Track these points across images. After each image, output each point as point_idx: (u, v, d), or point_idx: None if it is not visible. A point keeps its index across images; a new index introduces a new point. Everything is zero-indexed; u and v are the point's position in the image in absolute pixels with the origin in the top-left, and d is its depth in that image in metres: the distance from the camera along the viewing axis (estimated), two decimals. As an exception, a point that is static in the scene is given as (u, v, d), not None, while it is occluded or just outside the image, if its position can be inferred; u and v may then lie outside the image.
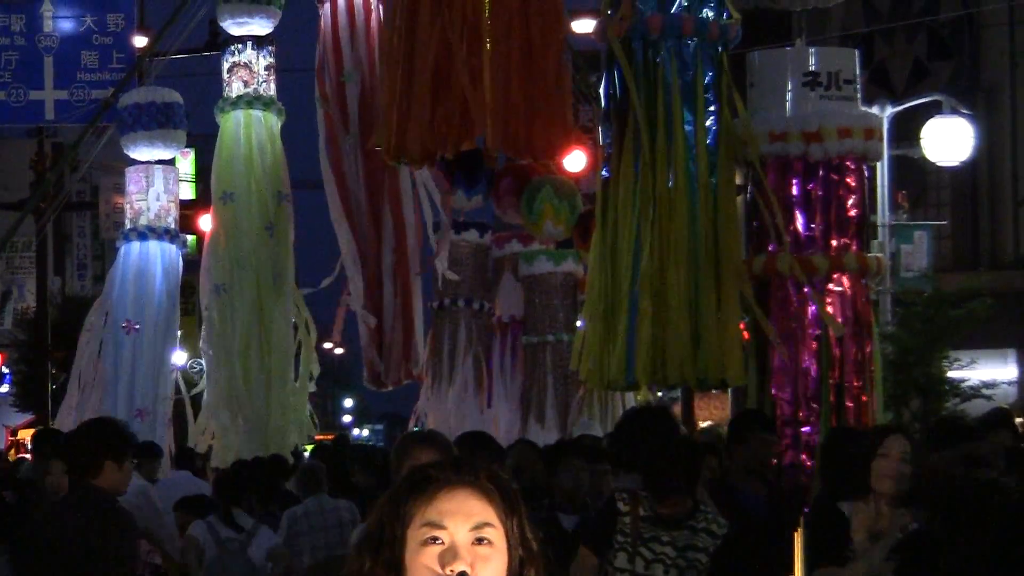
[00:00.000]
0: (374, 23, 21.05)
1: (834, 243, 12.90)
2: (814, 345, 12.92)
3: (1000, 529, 7.79)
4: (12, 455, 31.89)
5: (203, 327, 22.72)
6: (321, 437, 30.56)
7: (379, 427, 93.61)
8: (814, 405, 12.86)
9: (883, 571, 7.11)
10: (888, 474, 7.45)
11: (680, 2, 12.62)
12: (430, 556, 2.95)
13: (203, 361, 23.50)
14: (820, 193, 12.96)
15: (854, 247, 13.14)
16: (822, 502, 7.89)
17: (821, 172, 12.95)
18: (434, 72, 12.54)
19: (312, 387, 23.00)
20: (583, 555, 7.61)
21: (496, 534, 2.98)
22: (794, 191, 12.92)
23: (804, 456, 12.46)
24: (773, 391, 13.01)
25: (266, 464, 15.59)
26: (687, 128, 12.52)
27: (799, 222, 12.95)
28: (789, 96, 13.25)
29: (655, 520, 7.54)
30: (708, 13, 12.73)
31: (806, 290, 12.97)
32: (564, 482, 9.78)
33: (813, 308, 12.92)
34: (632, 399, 20.75)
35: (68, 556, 8.45)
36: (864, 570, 7.03)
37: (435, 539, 2.96)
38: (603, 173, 12.78)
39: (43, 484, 13.58)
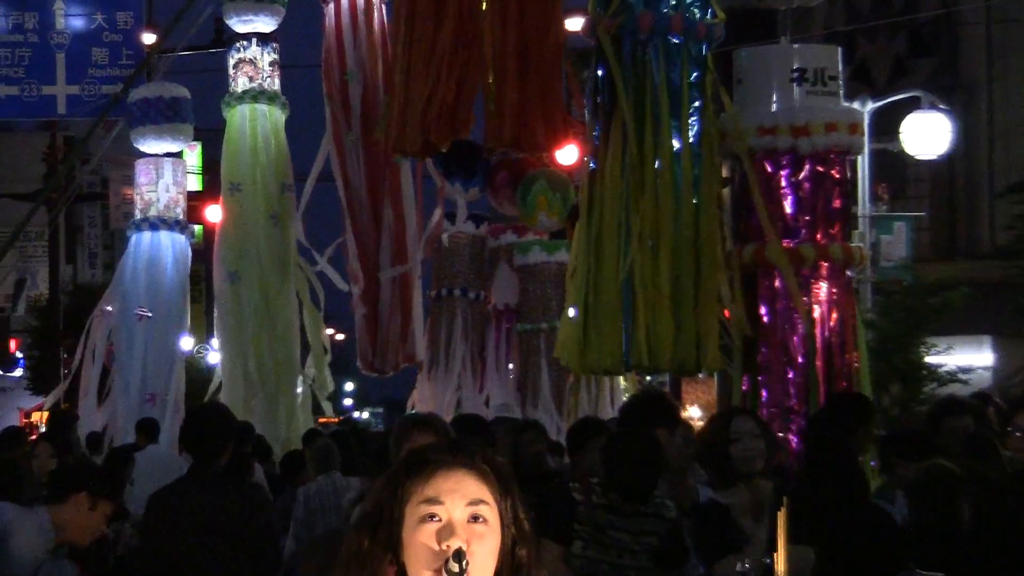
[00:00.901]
0: (376, 24, 21.09)
1: (820, 233, 12.92)
2: (801, 332, 12.94)
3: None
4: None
5: (216, 313, 22.82)
6: (325, 420, 30.63)
7: (379, 410, 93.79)
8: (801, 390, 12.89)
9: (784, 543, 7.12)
10: (744, 455, 7.46)
11: (668, 1, 12.61)
12: (427, 533, 2.95)
13: (217, 344, 23.61)
14: (808, 185, 12.98)
15: (839, 237, 13.16)
16: (703, 504, 7.86)
17: (808, 165, 12.97)
18: (433, 67, 12.53)
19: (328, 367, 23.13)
20: (546, 547, 7.56)
21: (491, 513, 2.99)
22: (783, 183, 12.93)
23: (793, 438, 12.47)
24: (760, 377, 13.05)
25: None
26: (673, 124, 12.52)
27: (788, 213, 12.97)
28: (776, 92, 13.25)
29: (609, 507, 7.54)
30: (695, 12, 12.73)
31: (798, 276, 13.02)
32: (591, 460, 9.71)
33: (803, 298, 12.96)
34: (620, 384, 20.84)
35: (216, 529, 8.71)
36: (759, 548, 7.02)
37: (432, 516, 2.96)
38: (590, 165, 12.78)
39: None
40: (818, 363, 12.90)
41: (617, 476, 7.40)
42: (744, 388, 13.02)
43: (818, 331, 12.94)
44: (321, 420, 28.76)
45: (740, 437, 7.53)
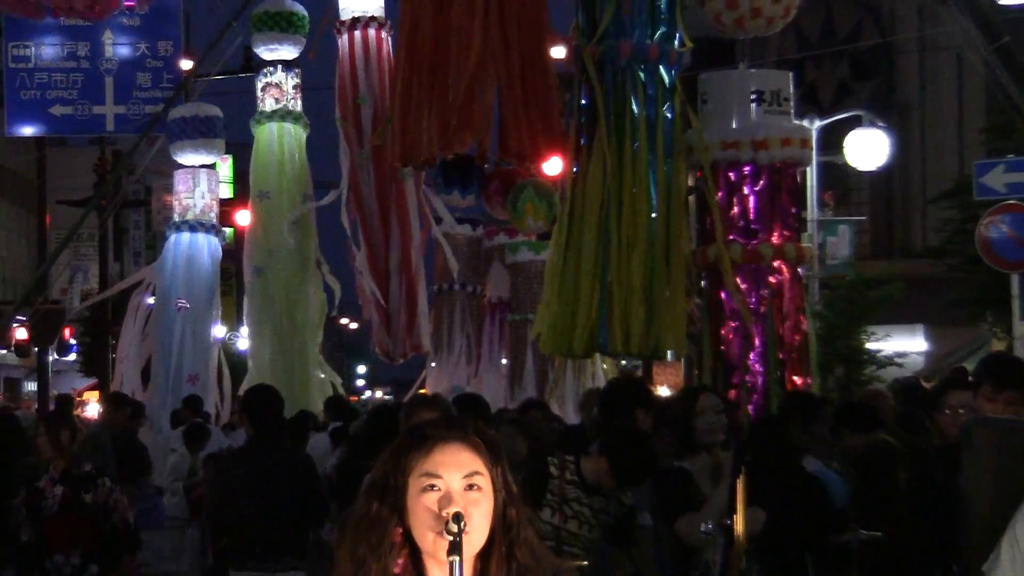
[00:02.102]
0: (384, 54, 21.11)
1: (776, 235, 12.91)
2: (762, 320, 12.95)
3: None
4: (80, 413, 31.86)
5: (245, 304, 22.88)
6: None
7: (388, 389, 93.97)
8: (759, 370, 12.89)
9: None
10: (706, 428, 7.46)
11: (642, 31, 12.60)
12: (429, 500, 2.95)
13: (246, 332, 23.67)
14: (766, 192, 12.98)
15: (792, 238, 13.18)
16: (665, 464, 7.83)
17: (766, 175, 12.97)
18: (434, 88, 12.49)
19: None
20: None
21: (484, 481, 2.99)
22: (745, 190, 12.93)
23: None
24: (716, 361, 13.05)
25: None
26: (648, 138, 12.52)
27: (749, 217, 12.97)
28: (736, 111, 13.24)
29: (578, 484, 7.55)
30: (669, 41, 12.76)
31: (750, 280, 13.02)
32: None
33: (754, 290, 12.95)
34: (600, 368, 20.84)
35: (274, 487, 9.05)
36: (716, 508, 7.01)
37: (433, 486, 2.96)
38: (573, 171, 12.77)
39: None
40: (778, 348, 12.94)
41: (620, 468, 7.38)
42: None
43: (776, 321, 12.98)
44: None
45: (704, 411, 7.54)
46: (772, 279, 12.97)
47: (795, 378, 12.98)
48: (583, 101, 12.76)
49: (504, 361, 23.45)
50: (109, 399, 16.83)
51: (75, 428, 9.31)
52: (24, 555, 8.72)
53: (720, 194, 12.95)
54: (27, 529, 8.62)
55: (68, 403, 16.03)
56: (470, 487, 2.97)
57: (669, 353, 14.05)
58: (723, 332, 12.95)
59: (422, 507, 2.96)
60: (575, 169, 12.72)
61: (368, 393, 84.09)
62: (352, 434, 13.01)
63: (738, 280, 12.86)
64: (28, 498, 8.75)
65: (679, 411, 7.84)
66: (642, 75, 12.48)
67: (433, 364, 23.16)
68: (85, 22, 24.65)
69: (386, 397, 50.86)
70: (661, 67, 12.67)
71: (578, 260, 12.32)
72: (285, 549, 9.21)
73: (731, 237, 12.88)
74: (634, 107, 12.40)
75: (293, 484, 9.22)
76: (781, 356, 12.96)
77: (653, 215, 12.48)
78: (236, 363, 28.35)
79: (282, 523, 9.14)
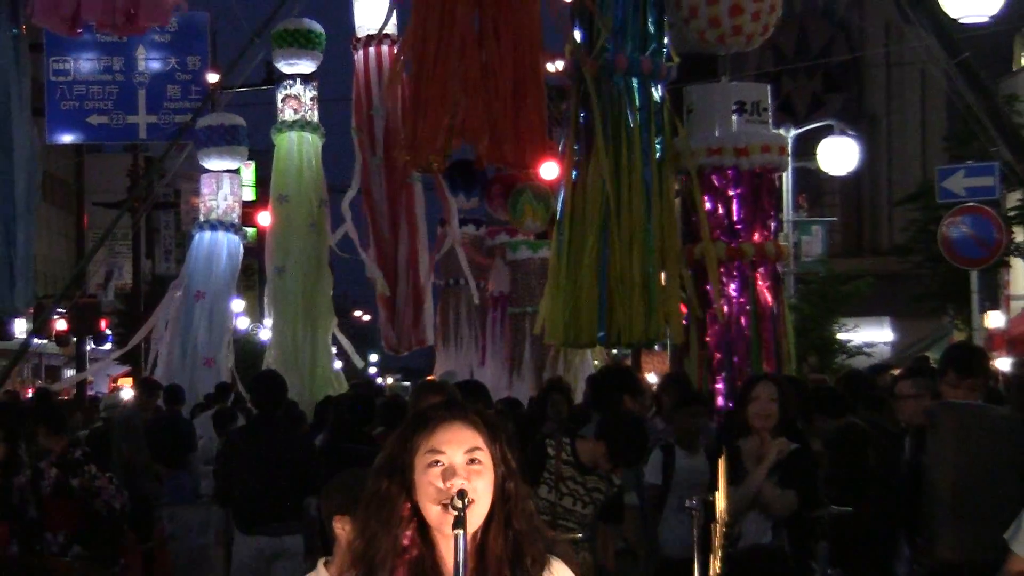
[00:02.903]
0: (399, 70, 21.11)
1: (757, 234, 12.91)
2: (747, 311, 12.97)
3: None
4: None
5: (266, 298, 22.92)
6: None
7: (398, 376, 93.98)
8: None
9: (767, 485, 7.11)
10: (758, 413, 7.42)
11: (634, 46, 12.60)
12: (434, 475, 2.95)
13: (268, 323, 23.73)
14: (747, 195, 12.97)
15: (771, 237, 13.18)
16: (721, 440, 7.86)
17: (747, 179, 12.96)
18: (439, 101, 12.46)
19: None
20: None
21: (484, 456, 2.98)
22: (729, 193, 12.93)
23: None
24: (719, 355, 13.06)
25: None
26: (641, 145, 12.52)
27: (733, 218, 12.97)
28: (719, 120, 13.24)
29: (574, 464, 7.55)
30: (658, 56, 12.78)
31: (736, 275, 13.02)
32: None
33: (737, 285, 12.95)
34: (590, 356, 20.86)
35: (274, 461, 9.36)
36: (753, 485, 6.99)
37: (437, 462, 2.96)
38: (573, 177, 12.76)
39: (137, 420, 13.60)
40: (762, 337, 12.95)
41: (616, 451, 7.38)
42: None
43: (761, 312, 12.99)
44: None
45: (758, 397, 7.51)
46: (754, 274, 12.98)
47: (772, 365, 12.97)
48: (581, 111, 12.76)
49: (504, 349, 23.48)
50: (141, 384, 16.81)
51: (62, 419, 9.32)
52: (28, 531, 8.70)
53: (706, 197, 12.96)
54: (32, 507, 8.59)
55: (47, 396, 15.79)
56: (471, 461, 2.97)
57: (666, 342, 14.05)
58: (709, 323, 12.97)
59: (427, 482, 2.96)
60: (575, 173, 12.71)
61: (380, 379, 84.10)
62: (335, 419, 13.13)
63: (722, 275, 12.88)
64: (32, 478, 8.72)
65: (738, 396, 7.85)
66: (636, 87, 12.50)
67: (442, 351, 23.30)
68: (120, 39, 24.72)
69: (404, 383, 50.90)
70: (651, 79, 12.68)
71: (581, 257, 12.33)
72: (285, 514, 9.45)
73: (716, 236, 12.89)
74: (629, 116, 12.41)
75: (291, 457, 9.48)
76: (762, 345, 12.97)
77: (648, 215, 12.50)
78: (259, 351, 28.40)
79: (281, 491, 9.37)
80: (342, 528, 4.21)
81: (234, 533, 9.85)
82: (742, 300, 12.91)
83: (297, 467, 9.45)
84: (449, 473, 2.94)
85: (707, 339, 12.91)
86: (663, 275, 12.59)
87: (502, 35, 12.15)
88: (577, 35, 12.81)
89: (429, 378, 20.51)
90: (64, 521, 8.69)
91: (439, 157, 12.46)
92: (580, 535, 7.30)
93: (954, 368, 7.13)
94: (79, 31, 11.03)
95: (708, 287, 12.86)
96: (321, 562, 4.18)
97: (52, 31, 10.63)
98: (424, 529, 2.98)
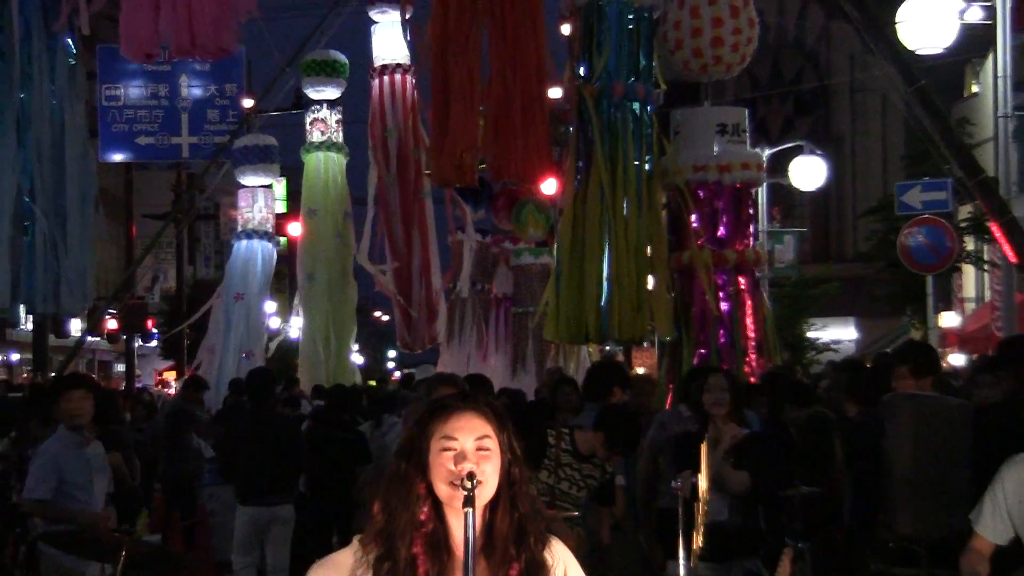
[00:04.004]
0: (408, 96, 21.15)
1: (738, 243, 12.92)
2: (728, 311, 12.95)
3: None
4: (158, 387, 31.95)
5: (298, 301, 23.00)
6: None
7: (412, 371, 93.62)
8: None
9: (722, 466, 7.12)
10: (711, 402, 7.42)
11: (628, 74, 12.63)
12: (447, 459, 2.95)
13: (298, 323, 23.81)
14: (729, 207, 12.98)
15: (750, 245, 13.20)
16: (681, 432, 7.82)
17: (729, 193, 12.98)
18: (462, 128, 12.46)
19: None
20: None
21: (492, 443, 2.99)
22: (715, 206, 12.96)
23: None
24: (696, 346, 13.05)
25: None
26: (635, 163, 12.55)
27: (718, 228, 12.99)
28: (703, 140, 13.26)
29: (572, 453, 7.56)
30: (648, 82, 12.82)
31: (721, 278, 13.03)
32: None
33: (725, 288, 12.96)
34: (586, 351, 20.86)
35: (267, 441, 9.90)
36: (712, 467, 6.99)
37: (450, 448, 2.96)
38: (574, 190, 12.78)
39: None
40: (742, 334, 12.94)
41: (614, 440, 7.39)
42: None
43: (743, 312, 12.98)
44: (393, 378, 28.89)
45: (712, 388, 7.49)
46: (736, 278, 12.99)
47: (756, 359, 12.98)
48: (581, 132, 12.79)
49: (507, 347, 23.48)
50: (189, 381, 16.75)
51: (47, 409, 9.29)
52: (10, 516, 8.66)
53: (693, 208, 12.98)
54: (15, 493, 8.49)
55: (39, 389, 15.74)
56: (481, 448, 2.98)
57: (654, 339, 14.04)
58: (696, 322, 12.98)
59: (441, 464, 2.97)
60: (576, 187, 12.73)
61: (397, 373, 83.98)
62: (315, 410, 13.27)
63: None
64: (18, 466, 8.64)
65: (693, 388, 7.81)
66: (629, 110, 12.53)
67: (447, 348, 23.28)
68: (166, 68, 24.76)
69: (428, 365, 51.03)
70: (642, 104, 12.72)
71: (582, 263, 12.35)
72: (277, 488, 9.98)
73: (701, 244, 12.90)
74: (624, 136, 12.45)
75: (281, 441, 10.02)
76: (744, 342, 12.97)
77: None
78: (289, 348, 28.44)
79: (274, 469, 9.91)
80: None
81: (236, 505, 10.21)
82: (727, 302, 12.93)
83: (287, 449, 10.03)
84: (460, 457, 2.95)
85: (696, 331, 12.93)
86: (650, 279, 12.61)
87: (512, 67, 12.17)
88: (579, 68, 12.87)
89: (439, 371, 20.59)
90: None
91: (469, 173, 12.47)
92: (575, 514, 7.31)
93: (911, 366, 7.12)
94: (155, 56, 11.00)
95: (693, 290, 12.86)
96: (356, 538, 4.13)
97: (133, 60, 10.63)
98: (438, 506, 2.99)
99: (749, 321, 13.02)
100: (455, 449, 2.96)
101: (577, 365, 19.53)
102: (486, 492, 2.95)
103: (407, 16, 15.97)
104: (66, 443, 7.57)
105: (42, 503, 7.45)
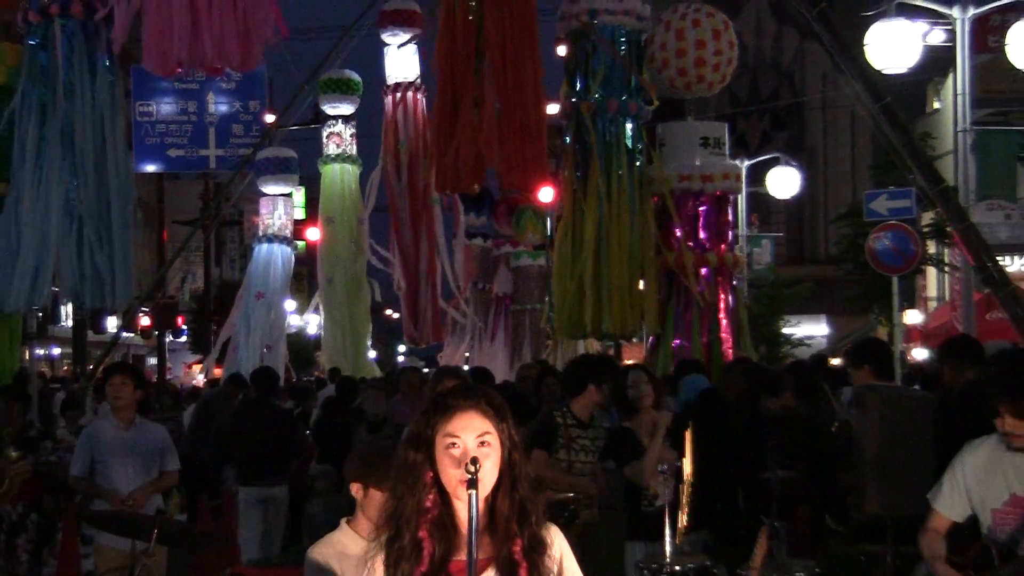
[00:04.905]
0: (418, 111, 21.16)
1: (719, 246, 12.94)
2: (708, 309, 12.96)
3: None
4: (186, 379, 31.95)
5: (318, 300, 23.06)
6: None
7: (423, 363, 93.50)
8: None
9: (664, 450, 7.10)
10: (636, 396, 7.41)
11: (620, 91, 12.64)
12: (451, 455, 2.95)
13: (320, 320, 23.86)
14: (711, 214, 12.99)
15: (730, 249, 13.22)
16: (615, 428, 7.81)
17: (711, 201, 12.99)
18: (467, 142, 12.45)
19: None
20: (536, 454, 7.55)
21: (493, 438, 2.98)
22: (699, 212, 12.97)
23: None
24: (678, 340, 13.04)
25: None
26: (628, 173, 12.58)
27: (700, 232, 13.00)
28: (686, 152, 13.26)
29: (576, 424, 7.58)
30: (638, 99, 12.85)
31: (704, 272, 13.02)
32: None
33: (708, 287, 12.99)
34: (580, 345, 20.85)
35: (269, 428, 10.24)
36: (653, 454, 6.96)
37: (453, 444, 2.95)
38: (572, 198, 12.79)
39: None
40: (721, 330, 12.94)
41: (621, 404, 7.46)
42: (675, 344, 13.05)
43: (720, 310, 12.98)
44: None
45: (634, 384, 7.48)
46: (717, 279, 13.00)
47: (731, 350, 12.99)
48: (577, 144, 12.80)
49: (506, 341, 23.48)
50: (230, 379, 16.66)
51: (29, 399, 9.24)
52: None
53: (677, 214, 12.99)
54: None
55: (25, 380, 15.60)
56: (482, 444, 2.97)
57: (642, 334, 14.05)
58: (683, 317, 13.00)
59: (446, 459, 2.96)
60: (574, 195, 12.74)
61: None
62: (325, 401, 13.36)
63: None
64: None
65: (616, 386, 7.76)
66: (621, 124, 12.56)
67: (450, 344, 23.36)
68: (194, 86, 24.76)
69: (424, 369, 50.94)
70: (633, 119, 12.75)
71: (583, 265, 12.36)
72: (273, 471, 10.25)
73: (677, 248, 12.91)
74: (617, 148, 12.48)
75: (278, 429, 10.36)
76: (722, 335, 12.98)
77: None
78: (307, 343, 28.48)
79: (270, 454, 10.22)
80: (356, 491, 4.09)
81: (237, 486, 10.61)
82: (706, 298, 12.95)
83: (282, 436, 10.33)
84: (464, 455, 2.94)
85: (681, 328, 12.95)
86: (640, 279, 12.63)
87: (512, 87, 12.19)
88: (575, 86, 12.88)
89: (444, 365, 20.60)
90: (22, 493, 8.58)
91: (466, 181, 12.48)
92: (571, 495, 7.29)
93: (872, 365, 7.12)
94: (178, 70, 10.98)
95: (678, 289, 12.88)
96: (344, 521, 4.11)
97: (154, 73, 10.59)
98: (443, 492, 2.99)
99: (722, 316, 13.05)
100: (459, 446, 2.96)
101: (570, 357, 19.52)
102: (487, 481, 2.95)
103: (416, 39, 15.99)
104: (104, 425, 7.63)
105: (76, 479, 7.56)
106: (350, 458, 4.28)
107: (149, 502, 7.52)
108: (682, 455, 6.49)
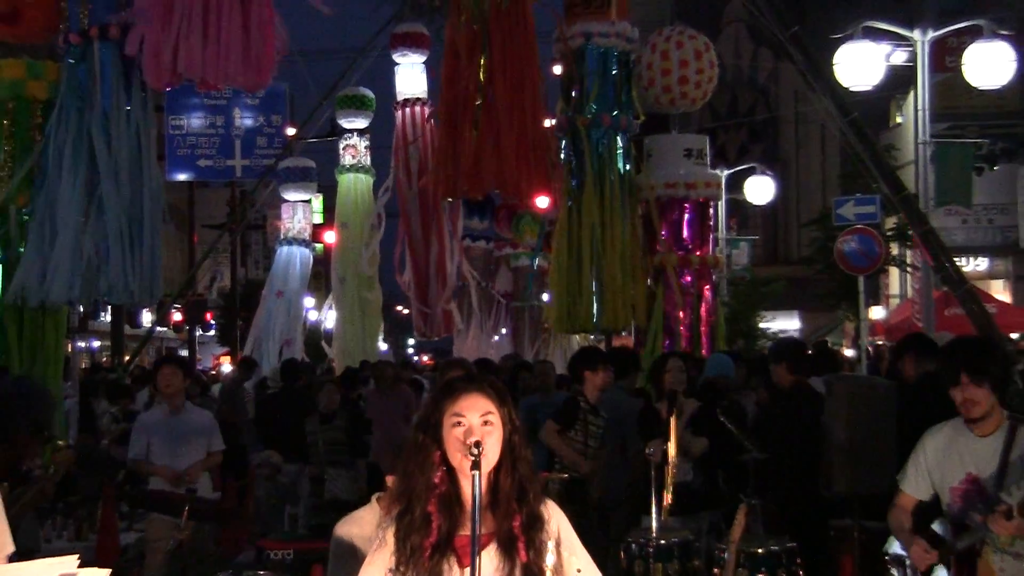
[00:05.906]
0: (427, 124, 21.17)
1: (701, 248, 12.95)
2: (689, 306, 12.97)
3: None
4: (214, 370, 31.92)
5: (332, 299, 23.04)
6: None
7: (431, 355, 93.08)
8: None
9: (686, 434, 7.17)
10: (670, 381, 7.47)
11: (612, 106, 12.66)
12: (457, 433, 2.96)
13: (332, 316, 23.84)
14: (695, 219, 13.00)
15: (711, 251, 13.22)
16: (646, 407, 7.88)
17: (694, 207, 13.00)
18: (463, 146, 12.43)
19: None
20: (549, 424, 7.66)
21: (495, 418, 2.99)
22: (683, 217, 12.99)
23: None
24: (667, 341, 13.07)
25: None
26: (620, 181, 12.60)
27: (684, 235, 13.01)
28: (671, 162, 13.27)
29: (589, 410, 7.65)
30: (628, 113, 12.87)
31: (687, 278, 13.03)
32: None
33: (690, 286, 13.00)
34: (574, 340, 20.86)
35: (292, 412, 10.91)
36: (677, 437, 7.01)
37: (459, 423, 2.96)
38: (568, 204, 12.80)
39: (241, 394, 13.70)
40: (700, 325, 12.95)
41: (659, 388, 7.56)
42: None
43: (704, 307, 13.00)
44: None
45: (671, 370, 7.55)
46: (699, 278, 13.02)
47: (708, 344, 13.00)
48: (574, 155, 12.82)
49: (507, 335, 23.46)
50: (242, 362, 16.73)
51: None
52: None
53: (662, 219, 13.02)
54: None
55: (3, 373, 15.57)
56: (485, 423, 2.98)
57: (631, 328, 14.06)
58: (670, 312, 13.03)
59: (452, 437, 2.97)
60: (570, 202, 12.75)
61: (416, 358, 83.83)
62: (258, 381, 13.91)
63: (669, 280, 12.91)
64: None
65: (654, 370, 7.88)
66: (613, 137, 12.59)
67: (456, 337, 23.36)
68: (222, 102, 24.75)
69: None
70: (622, 132, 12.77)
71: (579, 265, 12.38)
72: (294, 445, 10.81)
73: (670, 249, 12.93)
74: (610, 159, 12.50)
75: (297, 410, 10.99)
76: (703, 329, 12.99)
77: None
78: (324, 337, 28.47)
79: (291, 431, 10.87)
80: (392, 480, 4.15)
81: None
82: (689, 296, 12.97)
83: (300, 417, 10.89)
84: (468, 432, 2.95)
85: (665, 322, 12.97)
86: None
87: (513, 103, 12.20)
88: (571, 102, 12.90)
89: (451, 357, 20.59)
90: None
91: (466, 188, 12.49)
92: (566, 476, 7.34)
93: (789, 362, 7.26)
94: (174, 85, 10.94)
95: (664, 287, 12.90)
96: (375, 498, 4.13)
97: (151, 85, 10.54)
98: (450, 471, 3.00)
99: (704, 313, 13.08)
100: (464, 424, 2.97)
101: (565, 350, 19.54)
102: (491, 458, 2.96)
103: (425, 59, 15.97)
104: (157, 411, 7.74)
105: (135, 461, 7.71)
106: (387, 454, 4.33)
107: (201, 480, 7.65)
108: (666, 439, 6.51)
